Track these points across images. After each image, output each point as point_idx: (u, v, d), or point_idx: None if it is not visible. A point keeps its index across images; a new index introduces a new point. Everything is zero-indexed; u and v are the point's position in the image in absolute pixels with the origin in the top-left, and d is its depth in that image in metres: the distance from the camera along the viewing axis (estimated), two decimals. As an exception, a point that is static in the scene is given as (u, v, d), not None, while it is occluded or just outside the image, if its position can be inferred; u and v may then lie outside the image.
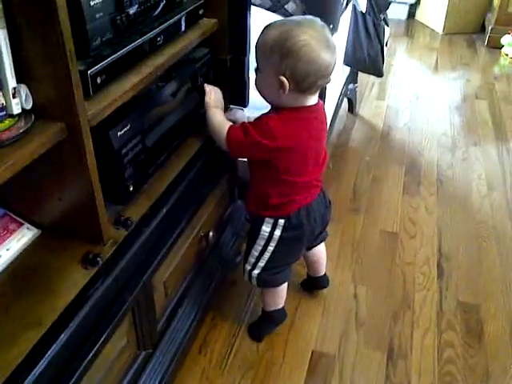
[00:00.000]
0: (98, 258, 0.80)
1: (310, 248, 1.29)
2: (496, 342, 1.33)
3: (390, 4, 1.95)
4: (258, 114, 1.11)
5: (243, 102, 1.26)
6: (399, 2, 3.54)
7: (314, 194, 1.14)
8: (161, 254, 0.95)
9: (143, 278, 0.90)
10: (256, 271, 1.19)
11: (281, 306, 1.29)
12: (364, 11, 1.84)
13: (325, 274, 1.42)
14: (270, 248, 1.14)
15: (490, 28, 3.22)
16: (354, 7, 1.83)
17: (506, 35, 3.12)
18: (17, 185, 0.77)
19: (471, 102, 2.58)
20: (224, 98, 1.16)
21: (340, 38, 1.77)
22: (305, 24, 0.98)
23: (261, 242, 1.14)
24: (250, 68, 1.22)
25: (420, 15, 3.66)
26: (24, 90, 0.68)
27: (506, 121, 2.40)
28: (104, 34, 0.78)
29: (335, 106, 1.99)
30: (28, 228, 0.85)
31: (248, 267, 1.20)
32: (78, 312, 0.75)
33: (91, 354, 0.77)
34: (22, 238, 0.83)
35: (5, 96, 0.67)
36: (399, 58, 3.11)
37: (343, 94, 2.18)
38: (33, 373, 0.67)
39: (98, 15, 0.75)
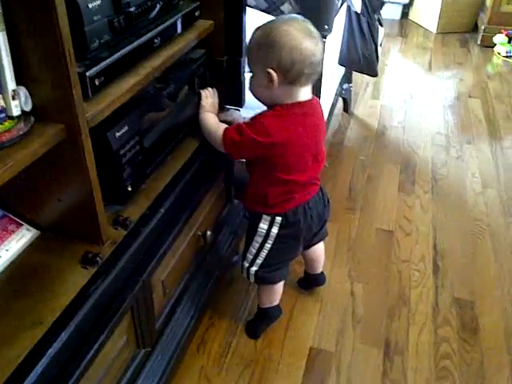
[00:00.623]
0: (98, 258, 0.81)
1: (308, 246, 1.30)
2: (491, 337, 1.35)
3: (383, 4, 1.97)
4: (253, 114, 1.12)
5: (239, 102, 1.27)
6: (393, 2, 3.56)
7: (312, 192, 1.15)
8: (159, 254, 0.96)
9: (142, 277, 0.91)
10: (254, 268, 1.20)
11: (276, 303, 1.30)
12: (358, 11, 1.85)
13: (322, 272, 1.43)
14: (268, 245, 1.15)
15: (482, 27, 3.25)
16: (349, 7, 1.84)
17: (499, 34, 3.14)
18: (16, 186, 0.78)
19: (465, 100, 2.60)
20: (220, 99, 1.17)
21: (335, 39, 1.78)
22: (286, 19, 1.03)
23: (258, 240, 1.16)
24: (246, 69, 1.23)
25: (413, 15, 3.68)
26: (23, 92, 0.69)
27: (499, 119, 2.43)
28: (102, 36, 0.79)
29: (330, 105, 2.01)
30: (27, 229, 0.85)
31: (246, 264, 1.21)
32: (78, 311, 0.76)
33: (91, 353, 0.78)
34: (22, 238, 0.84)
35: (4, 98, 0.67)
36: (393, 57, 3.13)
37: (338, 94, 2.20)
38: (34, 371, 0.68)
39: (95, 17, 0.76)
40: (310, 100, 1.07)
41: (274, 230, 1.14)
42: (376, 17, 1.90)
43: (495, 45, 3.16)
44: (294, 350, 1.30)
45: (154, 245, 0.96)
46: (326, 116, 1.89)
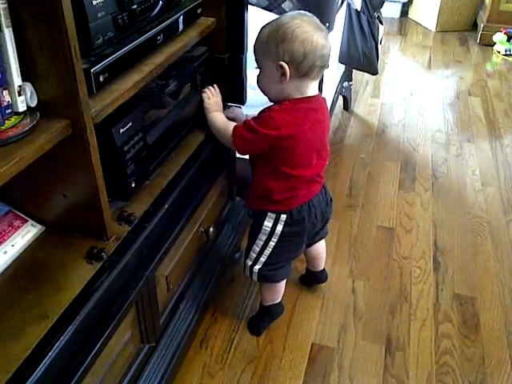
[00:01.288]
0: (103, 253, 0.81)
1: (310, 244, 1.30)
2: (491, 332, 1.36)
3: (383, 2, 1.98)
4: (254, 111, 1.13)
5: (241, 99, 1.28)
6: (392, 1, 3.57)
7: (315, 190, 1.16)
8: (163, 249, 0.97)
9: (146, 272, 0.91)
10: (257, 266, 1.20)
11: (278, 300, 1.31)
12: (359, 9, 1.86)
13: (324, 269, 1.44)
14: (272, 243, 1.16)
15: (482, 26, 3.26)
16: (349, 5, 1.85)
17: (498, 33, 3.16)
18: (22, 182, 0.79)
19: (464, 98, 2.61)
20: (221, 96, 1.18)
21: (335, 36, 1.79)
22: (295, 15, 1.04)
23: (262, 238, 1.16)
24: (248, 66, 1.24)
25: (413, 13, 3.69)
26: (29, 88, 0.70)
27: (499, 117, 2.43)
28: (106, 33, 0.79)
29: (331, 103, 2.02)
30: (32, 224, 0.86)
31: (249, 263, 1.21)
32: (83, 305, 0.76)
33: (97, 347, 0.78)
34: (27, 234, 0.85)
35: (10, 94, 0.68)
36: (393, 56, 3.14)
37: (338, 92, 2.20)
38: (41, 365, 0.68)
39: (100, 14, 0.76)
40: (316, 96, 1.08)
41: (279, 228, 1.14)
42: (376, 15, 1.91)
43: (495, 43, 3.17)
44: (296, 347, 1.31)
45: (157, 240, 0.97)
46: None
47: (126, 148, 0.87)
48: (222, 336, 1.32)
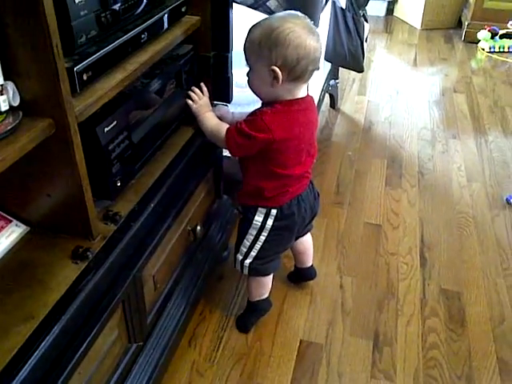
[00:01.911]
0: (88, 253, 0.81)
1: (296, 239, 1.31)
2: (477, 326, 1.37)
3: (368, 0, 1.99)
4: (241, 109, 1.13)
5: (227, 98, 1.28)
6: (378, -1, 3.60)
7: (304, 184, 1.17)
8: (149, 248, 0.97)
9: (133, 271, 0.91)
10: (248, 261, 1.21)
11: (265, 295, 1.31)
12: (344, 7, 1.87)
13: (312, 266, 1.45)
14: (262, 237, 1.17)
15: (466, 23, 3.29)
16: (334, 3, 1.86)
17: (482, 30, 3.19)
18: (5, 182, 0.79)
19: (450, 95, 2.64)
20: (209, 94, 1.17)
21: (321, 35, 1.79)
22: (286, 17, 1.02)
23: (253, 232, 1.17)
24: (234, 64, 1.24)
25: (398, 11, 3.72)
26: (11, 86, 0.69)
27: (484, 113, 2.46)
28: (89, 32, 0.79)
29: (317, 101, 2.02)
30: (17, 225, 0.85)
31: (240, 257, 1.22)
32: (69, 305, 0.76)
33: (83, 347, 0.78)
34: (11, 234, 0.84)
35: (-8, 93, 0.67)
36: (379, 53, 3.16)
37: (325, 90, 2.21)
38: (26, 365, 0.68)
39: (82, 12, 0.76)
40: (305, 97, 1.08)
41: (269, 223, 1.15)
42: (361, 12, 1.92)
43: (479, 41, 3.20)
44: (285, 343, 1.31)
45: (144, 239, 0.96)
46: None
47: (110, 147, 0.87)
48: (210, 334, 1.32)
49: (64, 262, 0.81)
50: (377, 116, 2.43)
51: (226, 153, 1.36)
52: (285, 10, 1.48)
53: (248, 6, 1.47)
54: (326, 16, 1.89)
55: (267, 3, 1.46)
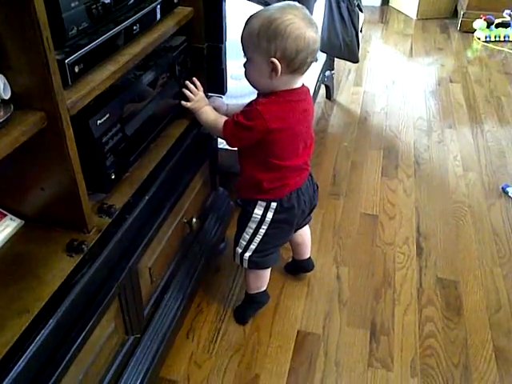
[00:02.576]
0: (83, 246, 0.81)
1: (295, 230, 1.31)
2: (474, 315, 1.38)
3: (363, -10, 1.98)
4: (236, 101, 1.13)
5: (221, 89, 1.27)
6: (373, -11, 3.58)
7: (304, 177, 1.17)
8: (145, 241, 0.97)
9: (128, 264, 0.91)
10: (247, 254, 1.21)
11: (263, 288, 1.32)
12: (338, -3, 1.86)
13: (310, 258, 1.45)
14: (262, 231, 1.17)
15: (462, 13, 3.27)
16: (328, -6, 1.85)
17: (478, 20, 3.17)
18: (-2, 175, 0.78)
19: (446, 85, 2.63)
20: (202, 86, 1.17)
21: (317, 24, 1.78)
22: (285, 7, 1.01)
23: (252, 225, 1.17)
24: (229, 56, 1.23)
25: (394, 1, 3.70)
26: (2, 80, 0.68)
27: (480, 103, 2.46)
28: (80, 23, 0.78)
29: (313, 92, 2.01)
30: (11, 219, 0.85)
31: (239, 250, 1.22)
32: (64, 298, 0.76)
33: (79, 340, 0.78)
34: (6, 228, 0.84)
35: (-17, 87, 0.67)
36: (375, 44, 3.15)
37: (320, 81, 2.20)
38: (22, 359, 0.68)
39: (73, 4, 0.75)
40: (301, 87, 1.08)
41: (269, 216, 1.15)
42: (356, 2, 1.90)
43: (475, 30, 3.19)
44: (283, 334, 1.32)
45: (139, 232, 0.96)
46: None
47: (104, 139, 0.86)
48: (208, 326, 1.33)
49: (59, 256, 0.81)
50: (373, 107, 2.42)
51: (221, 145, 1.36)
52: (279, 0, 1.47)
53: (242, -3, 1.46)
54: (320, 6, 1.88)
55: (261, -6, 1.45)
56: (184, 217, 1.17)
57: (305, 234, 1.39)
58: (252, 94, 1.13)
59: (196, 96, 1.14)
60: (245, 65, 1.08)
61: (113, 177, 0.92)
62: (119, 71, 0.86)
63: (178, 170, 1.11)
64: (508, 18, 3.12)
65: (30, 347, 0.69)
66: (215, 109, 1.17)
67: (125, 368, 0.99)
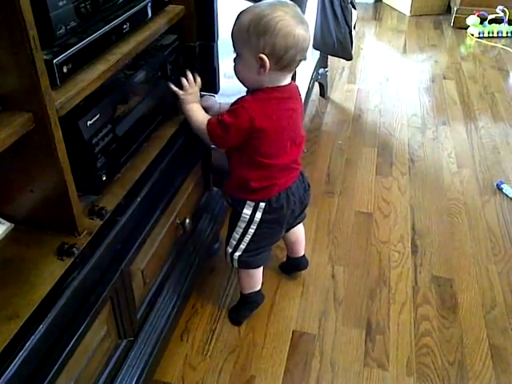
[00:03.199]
0: (74, 249, 0.80)
1: (288, 229, 1.30)
2: (469, 313, 1.38)
3: (356, -13, 1.96)
4: (230, 100, 1.11)
5: (214, 88, 1.26)
6: (366, -14, 3.57)
7: (293, 177, 1.16)
8: (137, 243, 0.95)
9: (120, 266, 0.90)
10: (237, 253, 1.20)
11: (257, 288, 1.31)
12: (331, -6, 1.84)
13: (304, 255, 1.44)
14: (251, 230, 1.16)
15: (455, 9, 3.27)
16: (321, -9, 1.83)
17: (471, 16, 3.17)
18: (-14, 178, 0.77)
19: (439, 82, 2.63)
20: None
21: (309, 22, 1.77)
22: (276, 4, 1.00)
23: (242, 225, 1.16)
24: (221, 55, 1.22)
25: (387, -2, 3.69)
26: (-12, 80, 0.67)
27: (473, 99, 2.46)
28: (68, 23, 0.77)
29: (306, 90, 2.01)
30: (0, 222, 0.84)
31: (229, 250, 1.21)
32: (55, 303, 0.74)
33: (71, 344, 0.77)
34: (-5, 232, 0.83)
35: (-31, 88, 0.65)
36: (368, 41, 3.14)
37: (314, 79, 2.19)
38: (12, 365, 0.67)
39: (61, 3, 0.74)
40: (288, 84, 1.07)
41: (258, 216, 1.14)
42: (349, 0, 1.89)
43: (468, 26, 3.19)
44: (278, 334, 1.31)
45: (131, 234, 0.95)
46: (302, 101, 1.89)
47: (94, 141, 0.85)
48: (202, 327, 1.32)
49: (49, 259, 0.79)
50: (367, 104, 2.41)
51: (214, 144, 1.35)
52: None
53: (233, -5, 1.45)
54: (313, 3, 1.87)
55: (253, -9, 1.43)
56: (177, 218, 1.16)
57: (298, 232, 1.38)
58: (244, 93, 1.12)
59: (190, 89, 1.12)
60: (234, 60, 1.07)
61: (104, 178, 0.91)
62: (109, 71, 0.85)
63: (171, 170, 1.10)
64: (501, 14, 3.12)
65: (20, 353, 0.68)
66: (208, 108, 1.16)
67: (118, 372, 0.97)
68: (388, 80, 2.64)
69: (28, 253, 0.80)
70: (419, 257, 1.55)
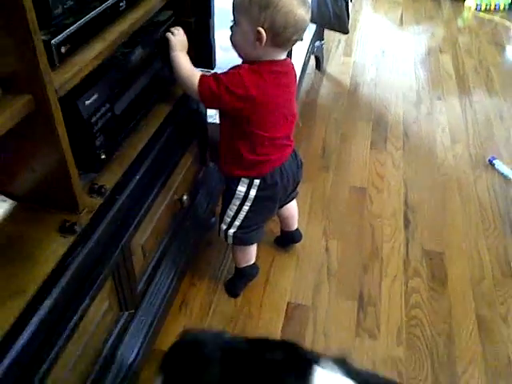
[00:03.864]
0: (76, 226, 0.82)
1: (282, 205, 1.33)
2: (458, 286, 1.42)
3: (353, -42, 1.93)
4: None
5: (210, 64, 1.26)
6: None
7: (286, 154, 1.18)
8: (137, 219, 0.98)
9: (121, 242, 0.92)
10: (232, 230, 1.23)
11: (252, 261, 1.34)
12: (328, -34, 1.82)
13: (297, 229, 1.47)
14: (246, 207, 1.18)
15: (453, -20, 3.23)
16: (318, -37, 1.81)
17: (469, -13, 3.14)
18: (-12, 158, 0.78)
19: (435, 55, 2.62)
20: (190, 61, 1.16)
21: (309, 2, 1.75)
22: None
23: (236, 202, 1.18)
24: (217, 26, 1.21)
25: (385, -33, 3.62)
26: (-12, 63, 0.68)
27: (469, 73, 2.46)
28: (65, 2, 0.77)
29: (302, 63, 2.00)
30: (3, 200, 0.85)
31: (224, 227, 1.24)
32: (59, 279, 0.77)
33: (75, 318, 0.80)
34: (-2, 209, 0.84)
35: (-31, 70, 0.66)
36: (365, 13, 3.11)
37: (310, 52, 2.18)
38: (20, 339, 0.69)
39: (57, -18, 0.74)
40: (284, 60, 1.08)
41: (252, 193, 1.16)
42: (346, -28, 1.87)
43: (466, -2, 3.16)
44: (273, 306, 1.35)
45: (131, 211, 0.97)
46: (298, 75, 1.88)
47: (93, 120, 0.86)
48: (200, 299, 1.35)
49: (52, 237, 0.81)
50: (362, 77, 2.41)
51: (211, 119, 1.36)
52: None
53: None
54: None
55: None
56: (175, 194, 1.18)
57: (292, 207, 1.41)
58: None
59: (178, 36, 1.07)
60: (231, 28, 1.07)
61: (103, 156, 0.92)
62: (107, 50, 0.85)
63: (168, 147, 1.11)
64: (499, -14, 3.09)
65: (28, 327, 0.71)
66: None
67: (120, 342, 1.01)
68: (384, 53, 2.63)
69: (31, 230, 0.82)
70: (411, 231, 1.59)
